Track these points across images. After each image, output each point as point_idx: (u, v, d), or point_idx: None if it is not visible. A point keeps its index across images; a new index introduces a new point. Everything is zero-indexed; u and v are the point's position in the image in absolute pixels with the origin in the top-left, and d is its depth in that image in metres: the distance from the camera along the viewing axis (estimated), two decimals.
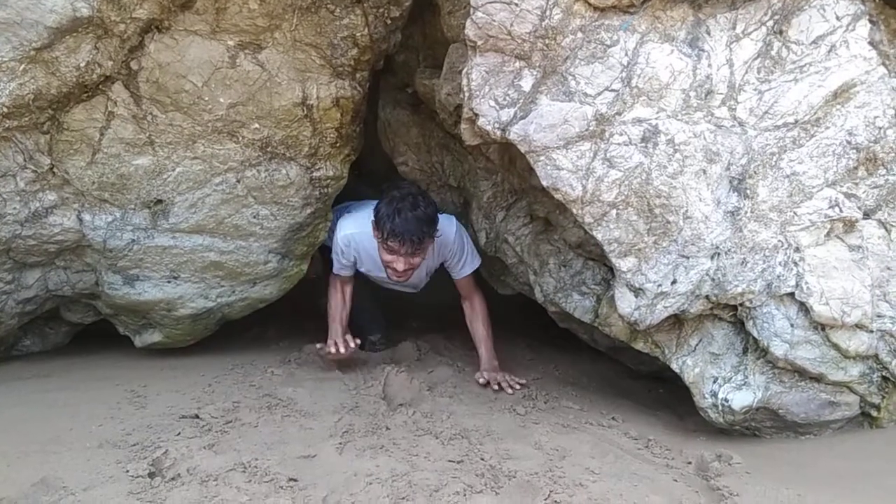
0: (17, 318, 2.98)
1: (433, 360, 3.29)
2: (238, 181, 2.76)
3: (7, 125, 2.38)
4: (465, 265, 3.16)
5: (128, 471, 1.90)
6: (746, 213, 2.22)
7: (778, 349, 2.30)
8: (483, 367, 3.08)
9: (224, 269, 2.97)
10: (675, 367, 2.47)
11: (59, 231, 2.69)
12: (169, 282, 2.95)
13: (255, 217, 2.87)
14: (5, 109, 2.32)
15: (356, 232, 3.11)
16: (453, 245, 3.10)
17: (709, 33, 2.25)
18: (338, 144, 2.85)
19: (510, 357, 3.23)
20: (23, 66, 2.29)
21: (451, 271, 3.21)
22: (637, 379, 3.26)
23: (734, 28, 2.25)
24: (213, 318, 3.16)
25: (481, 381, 2.96)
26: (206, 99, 2.56)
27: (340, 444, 2.15)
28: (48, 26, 2.24)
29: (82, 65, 2.37)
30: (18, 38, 2.24)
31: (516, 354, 3.53)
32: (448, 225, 3.06)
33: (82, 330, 3.41)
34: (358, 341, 3.04)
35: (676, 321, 2.43)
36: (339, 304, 3.25)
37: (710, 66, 2.23)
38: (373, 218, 2.86)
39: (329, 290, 3.28)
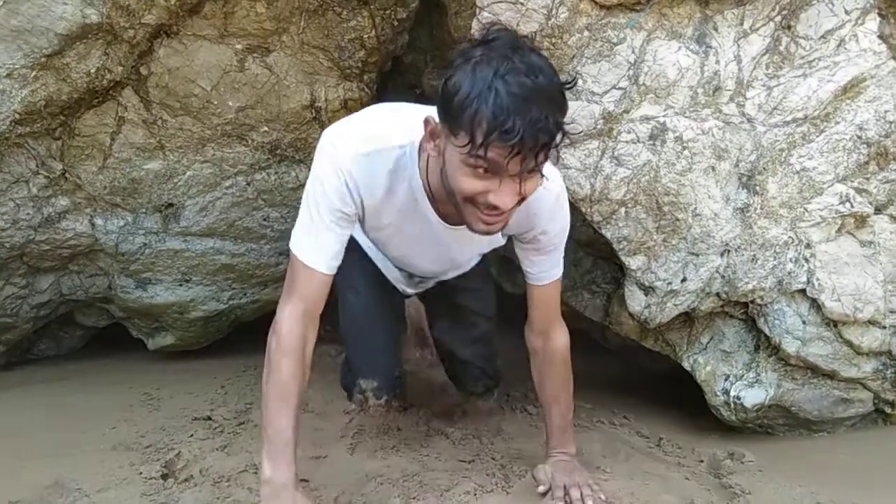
0: (32, 322, 3.01)
1: None
2: (248, 184, 2.78)
3: (20, 131, 2.40)
4: (554, 260, 1.82)
5: (141, 472, 1.92)
6: (756, 209, 2.21)
7: (790, 346, 2.28)
8: (552, 451, 1.91)
9: (235, 272, 2.99)
10: (686, 365, 2.46)
11: (72, 235, 2.72)
12: (181, 285, 2.97)
13: (265, 219, 2.89)
14: (17, 116, 2.34)
15: (378, 150, 1.57)
16: (553, 212, 1.70)
17: (716, 30, 2.23)
18: None
19: (520, 359, 3.22)
20: (34, 72, 2.31)
21: (528, 266, 1.82)
22: (648, 378, 3.25)
23: (741, 24, 2.24)
24: (226, 321, 3.18)
25: (541, 484, 1.79)
26: (216, 103, 2.58)
27: (351, 444, 2.16)
28: (58, 33, 2.26)
29: (93, 71, 2.39)
30: (29, 46, 2.26)
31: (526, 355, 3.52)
32: (553, 177, 1.66)
33: (96, 333, 3.44)
34: None
35: (687, 319, 2.42)
36: (288, 397, 1.58)
37: (717, 62, 2.22)
38: (439, 107, 1.39)
39: (273, 341, 1.61)
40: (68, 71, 2.36)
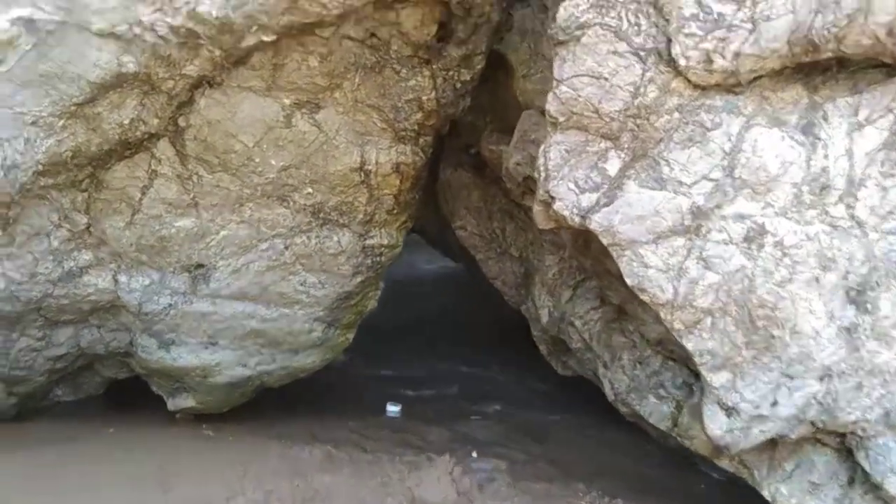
0: (47, 374, 2.83)
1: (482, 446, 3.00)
2: (286, 248, 2.57)
3: (42, 183, 2.22)
4: None
5: None
6: (865, 330, 1.91)
7: (894, 487, 1.97)
8: None
9: (265, 337, 2.77)
10: (766, 493, 2.16)
11: (93, 291, 2.54)
12: (206, 348, 2.77)
13: (301, 285, 2.67)
14: (41, 167, 2.17)
15: None
16: None
17: (826, 119, 1.96)
18: (395, 212, 2.64)
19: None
20: (62, 121, 2.13)
21: None
22: (663, 463, 2.92)
23: (856, 114, 1.96)
24: (251, 386, 2.96)
25: None
26: (257, 160, 2.38)
27: None
28: (91, 81, 2.08)
29: (126, 121, 2.21)
30: (58, 92, 2.08)
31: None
32: None
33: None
34: None
35: (770, 441, 2.12)
36: None
37: (826, 156, 1.94)
38: None
39: None
40: (99, 121, 2.18)
